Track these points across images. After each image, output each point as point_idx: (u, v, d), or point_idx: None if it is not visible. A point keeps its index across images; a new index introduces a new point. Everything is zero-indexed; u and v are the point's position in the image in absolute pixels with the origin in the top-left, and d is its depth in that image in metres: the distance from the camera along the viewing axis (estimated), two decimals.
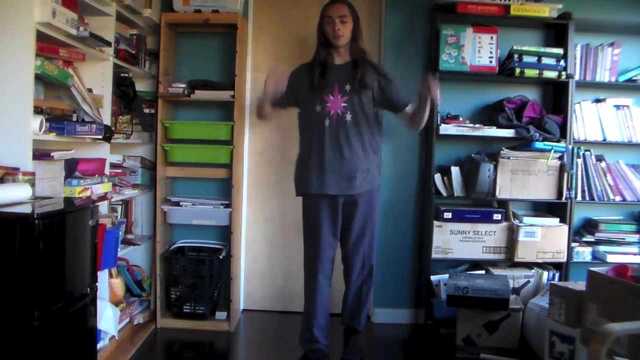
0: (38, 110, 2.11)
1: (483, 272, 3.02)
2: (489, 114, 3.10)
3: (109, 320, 2.51)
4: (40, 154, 2.12)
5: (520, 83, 3.12)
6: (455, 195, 2.99)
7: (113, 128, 2.65)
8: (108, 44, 2.53)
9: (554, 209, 3.10)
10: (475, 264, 3.13)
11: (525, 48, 2.97)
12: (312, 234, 2.59)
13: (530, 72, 2.94)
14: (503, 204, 3.08)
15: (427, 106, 2.49)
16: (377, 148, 2.62)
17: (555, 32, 3.13)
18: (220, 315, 3.09)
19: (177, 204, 3.10)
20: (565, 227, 2.97)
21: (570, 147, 2.96)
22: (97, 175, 2.49)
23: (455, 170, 2.99)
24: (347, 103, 2.49)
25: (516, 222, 3.02)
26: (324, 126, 2.49)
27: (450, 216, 2.98)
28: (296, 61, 2.69)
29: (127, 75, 2.88)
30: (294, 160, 2.68)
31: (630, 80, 3.05)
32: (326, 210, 2.54)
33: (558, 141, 2.94)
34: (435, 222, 2.98)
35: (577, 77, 3.02)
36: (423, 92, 2.45)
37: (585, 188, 3.03)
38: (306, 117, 2.58)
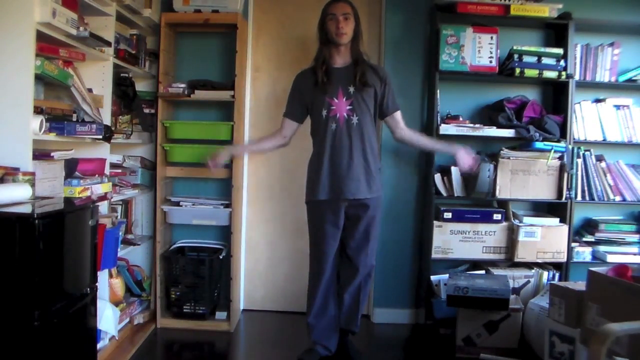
0: (38, 110, 2.11)
1: (483, 272, 3.02)
2: (489, 114, 3.10)
3: (109, 320, 2.51)
4: (40, 154, 2.12)
5: (520, 83, 3.12)
6: (455, 195, 2.99)
7: (113, 128, 2.65)
8: (108, 44, 2.53)
9: (554, 209, 3.10)
10: (475, 264, 3.13)
11: (525, 48, 2.96)
12: (319, 237, 2.57)
13: (530, 72, 2.94)
14: (503, 204, 3.08)
15: (439, 150, 2.79)
16: (377, 152, 2.61)
17: (555, 32, 3.13)
18: (220, 315, 3.09)
19: (177, 204, 3.10)
20: (565, 227, 2.96)
21: (570, 147, 2.95)
22: (97, 175, 2.49)
23: (455, 170, 2.99)
24: (353, 105, 2.48)
25: (516, 222, 3.02)
26: (331, 130, 2.48)
27: (450, 216, 2.98)
28: (296, 61, 2.70)
29: (127, 75, 2.88)
30: (294, 160, 2.68)
31: (630, 80, 3.05)
32: (331, 213, 2.53)
33: (558, 141, 2.94)
34: (435, 222, 2.98)
35: (577, 77, 3.02)
36: (458, 160, 2.62)
37: (585, 188, 3.03)
38: (315, 123, 2.57)
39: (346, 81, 2.50)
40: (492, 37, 2.95)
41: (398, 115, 2.62)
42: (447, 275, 2.94)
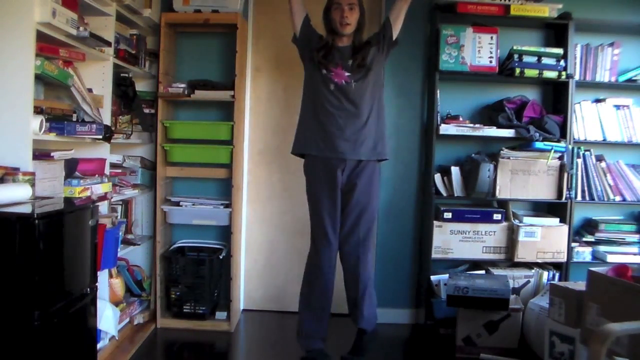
0: (38, 110, 2.11)
1: (483, 272, 3.02)
2: (489, 114, 3.10)
3: (109, 320, 2.51)
4: (40, 154, 2.12)
5: (520, 83, 3.12)
6: (455, 195, 2.99)
7: (113, 128, 2.65)
8: (108, 44, 2.53)
9: (554, 209, 3.10)
10: (475, 264, 3.13)
11: (525, 48, 2.97)
12: (317, 202, 2.54)
13: (530, 72, 2.94)
14: (503, 204, 3.08)
15: None
16: (382, 126, 2.57)
17: (555, 32, 3.13)
18: (220, 315, 3.09)
19: (177, 204, 3.10)
20: (565, 227, 2.96)
21: (570, 147, 2.96)
22: (97, 175, 2.49)
23: (455, 170, 2.99)
24: (351, 74, 2.48)
25: (516, 222, 3.02)
26: (329, 89, 2.48)
27: (450, 216, 2.98)
28: (296, 61, 2.69)
29: (127, 75, 2.88)
30: (295, 159, 2.66)
31: (630, 80, 3.05)
32: (329, 175, 2.50)
33: (558, 141, 2.95)
34: (435, 222, 2.98)
35: (577, 77, 3.02)
36: None
37: (585, 188, 3.03)
38: (312, 78, 2.55)
39: (347, 57, 2.50)
40: (492, 37, 2.96)
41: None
42: (447, 275, 2.94)
